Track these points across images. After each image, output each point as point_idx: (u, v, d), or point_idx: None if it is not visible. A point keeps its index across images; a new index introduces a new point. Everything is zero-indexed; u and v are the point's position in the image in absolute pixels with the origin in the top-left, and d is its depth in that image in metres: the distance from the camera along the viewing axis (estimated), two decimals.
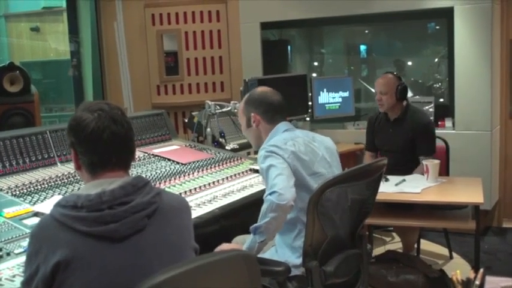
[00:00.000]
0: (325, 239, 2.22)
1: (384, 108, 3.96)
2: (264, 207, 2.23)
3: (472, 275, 1.70)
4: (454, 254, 4.23)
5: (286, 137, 2.44)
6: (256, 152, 3.92)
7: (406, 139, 3.89)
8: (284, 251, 2.41)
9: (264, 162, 2.35)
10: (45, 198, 2.47)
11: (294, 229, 2.38)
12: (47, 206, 2.31)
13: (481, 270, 1.72)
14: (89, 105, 1.64)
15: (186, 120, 4.35)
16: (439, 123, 4.89)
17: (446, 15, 4.94)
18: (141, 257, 1.50)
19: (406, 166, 3.77)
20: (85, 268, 1.44)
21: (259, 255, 2.38)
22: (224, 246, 2.44)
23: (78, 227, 1.47)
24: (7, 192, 2.48)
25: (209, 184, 2.87)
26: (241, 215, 2.71)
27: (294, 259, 2.33)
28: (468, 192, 3.36)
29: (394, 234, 4.59)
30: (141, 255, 1.51)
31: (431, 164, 3.50)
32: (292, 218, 2.35)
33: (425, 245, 4.39)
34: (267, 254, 2.44)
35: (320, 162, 2.44)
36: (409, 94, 5.70)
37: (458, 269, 3.57)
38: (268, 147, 2.38)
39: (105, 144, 1.59)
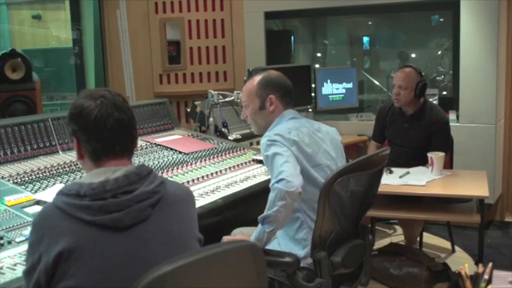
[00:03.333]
0: (334, 230, 2.20)
1: (400, 104, 3.83)
2: (271, 196, 2.19)
3: (480, 269, 1.67)
4: (457, 248, 4.21)
5: (290, 126, 2.40)
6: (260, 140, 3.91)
7: (422, 136, 3.79)
8: (287, 243, 2.38)
9: (267, 150, 2.31)
10: (46, 186, 2.45)
11: (296, 221, 2.35)
12: (48, 194, 2.29)
13: (490, 264, 1.70)
14: (90, 93, 1.62)
15: (189, 110, 4.32)
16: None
17: (451, 7, 4.89)
18: (144, 247, 1.48)
19: (416, 162, 3.70)
20: (88, 257, 1.42)
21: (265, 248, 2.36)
22: (228, 238, 2.41)
23: (82, 215, 1.44)
24: (8, 180, 2.46)
25: (212, 174, 2.85)
26: (244, 205, 2.69)
27: (297, 251, 2.31)
28: (473, 186, 3.33)
29: (396, 227, 4.57)
30: (145, 245, 1.49)
31: (436, 156, 3.47)
32: (294, 209, 2.32)
33: (428, 238, 4.37)
34: (270, 246, 2.41)
35: (324, 154, 2.41)
36: None
37: (460, 262, 3.56)
38: (272, 135, 2.34)
39: (109, 131, 1.56)
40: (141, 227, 1.49)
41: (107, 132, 1.57)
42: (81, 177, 2.51)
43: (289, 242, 2.38)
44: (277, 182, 2.18)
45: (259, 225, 2.23)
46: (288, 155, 2.26)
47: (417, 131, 3.81)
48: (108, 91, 1.63)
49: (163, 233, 1.53)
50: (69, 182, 2.48)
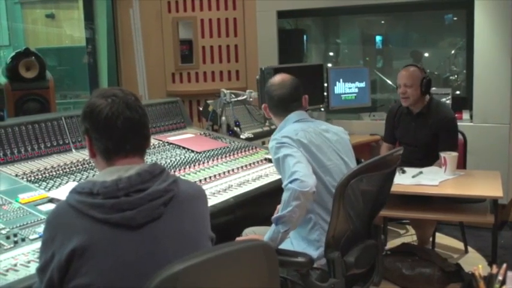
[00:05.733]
0: (348, 230, 2.19)
1: (409, 102, 3.81)
2: (285, 196, 2.19)
3: (494, 270, 1.66)
4: (469, 248, 4.19)
5: (297, 128, 2.41)
6: None
7: (429, 134, 3.77)
8: (300, 243, 2.38)
9: (278, 152, 2.32)
10: (60, 184, 2.46)
11: (309, 222, 2.35)
12: (62, 192, 2.31)
13: (504, 265, 1.68)
14: (103, 92, 1.63)
15: (201, 109, 4.33)
16: (456, 115, 4.82)
17: (465, 6, 4.86)
18: (156, 246, 1.49)
19: (425, 160, 3.68)
20: (100, 256, 1.43)
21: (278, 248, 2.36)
22: (241, 240, 2.41)
23: (94, 214, 1.45)
24: (22, 178, 2.48)
25: (224, 173, 2.85)
26: (256, 204, 2.69)
27: (310, 251, 2.30)
28: (487, 186, 3.31)
29: (408, 227, 4.55)
30: (157, 243, 1.49)
31: (449, 156, 3.44)
32: (307, 209, 2.32)
33: (440, 238, 4.34)
34: (283, 246, 2.41)
35: (332, 154, 2.40)
36: None
37: (473, 263, 3.53)
38: (280, 138, 2.36)
39: (119, 130, 1.57)
40: (153, 225, 1.50)
41: (117, 130, 1.57)
42: (94, 175, 2.52)
43: (302, 243, 2.38)
44: (291, 182, 2.18)
45: (273, 226, 2.23)
46: (299, 156, 2.27)
47: (425, 129, 3.80)
48: (120, 90, 1.64)
49: (175, 231, 1.54)
50: (82, 180, 2.49)
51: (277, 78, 2.59)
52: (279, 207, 2.29)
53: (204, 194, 1.73)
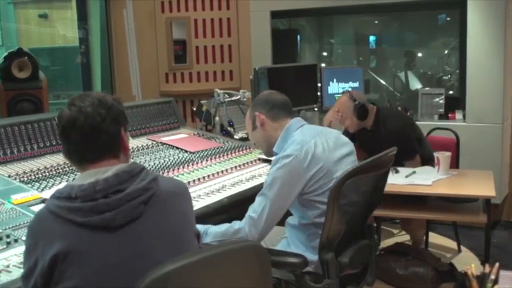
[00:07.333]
0: (342, 231, 2.18)
1: (352, 131, 3.82)
2: (234, 230, 2.22)
3: (487, 269, 1.66)
4: (463, 248, 4.21)
5: (306, 134, 2.35)
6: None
7: (385, 148, 3.74)
8: (297, 245, 2.36)
9: (277, 171, 2.25)
10: (53, 185, 2.45)
11: (308, 230, 2.34)
12: None
13: (497, 264, 1.69)
14: (71, 99, 1.61)
15: (195, 109, 4.32)
16: (449, 115, 4.85)
17: (458, 6, 4.88)
18: (140, 245, 1.48)
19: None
20: (84, 259, 1.42)
21: (273, 248, 2.36)
22: None
23: (73, 218, 1.44)
24: (15, 179, 2.47)
25: (217, 173, 2.84)
26: (250, 204, 2.68)
27: (307, 254, 2.27)
28: (479, 185, 3.32)
29: None
30: (140, 242, 1.48)
31: (442, 156, 3.46)
32: (307, 224, 2.32)
33: (434, 238, 4.36)
34: (279, 246, 2.40)
35: (341, 163, 2.36)
36: (419, 86, 5.70)
37: (466, 262, 3.54)
38: (282, 159, 2.27)
39: (72, 140, 1.57)
40: (135, 225, 1.48)
41: (71, 140, 1.57)
42: None
43: (300, 245, 2.36)
44: (250, 226, 2.20)
45: (203, 229, 2.25)
46: (283, 193, 2.23)
47: (380, 144, 3.73)
48: (87, 96, 1.60)
49: (158, 228, 1.52)
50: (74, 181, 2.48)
51: (268, 91, 2.60)
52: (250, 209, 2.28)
53: (186, 189, 1.71)
